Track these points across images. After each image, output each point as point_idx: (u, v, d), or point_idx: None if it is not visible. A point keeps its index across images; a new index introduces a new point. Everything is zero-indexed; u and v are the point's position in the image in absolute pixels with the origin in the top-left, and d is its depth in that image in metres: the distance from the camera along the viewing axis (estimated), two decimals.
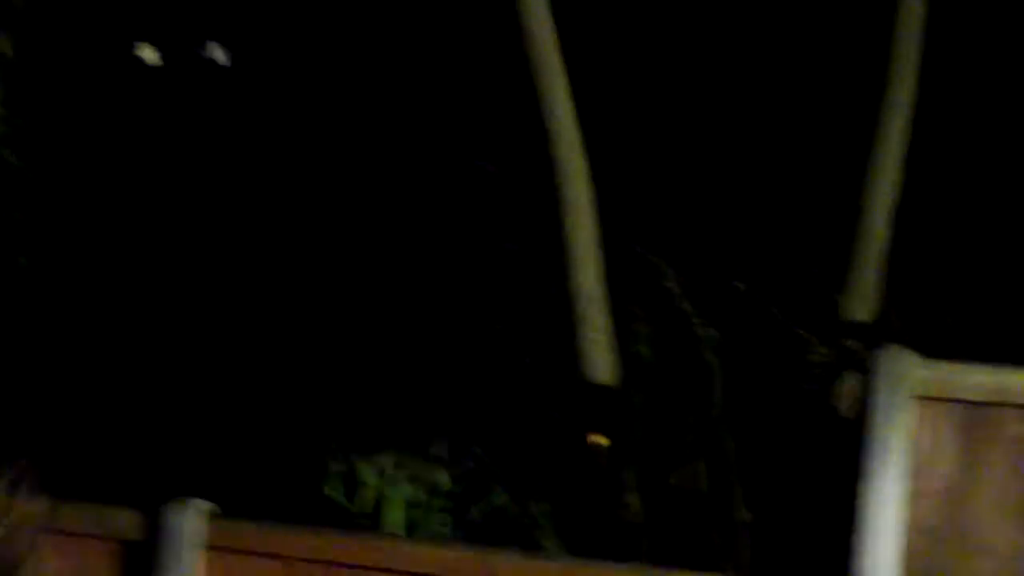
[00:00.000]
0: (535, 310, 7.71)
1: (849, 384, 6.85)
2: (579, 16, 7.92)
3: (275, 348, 8.71)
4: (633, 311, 6.98)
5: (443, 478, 6.61)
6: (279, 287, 9.12)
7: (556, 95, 7.44)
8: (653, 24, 8.63)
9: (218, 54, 10.30)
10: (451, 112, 9.17)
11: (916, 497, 5.35)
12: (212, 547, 5.47)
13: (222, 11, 10.16)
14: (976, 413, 5.41)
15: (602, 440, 6.66)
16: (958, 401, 5.38)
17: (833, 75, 8.26)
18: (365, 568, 5.21)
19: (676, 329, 6.79)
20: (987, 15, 8.40)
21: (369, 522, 6.52)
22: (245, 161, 9.77)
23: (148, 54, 10.33)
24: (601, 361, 7.18)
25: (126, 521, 5.64)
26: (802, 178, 8.14)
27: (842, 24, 8.31)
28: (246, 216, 9.54)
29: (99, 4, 10.13)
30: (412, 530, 6.49)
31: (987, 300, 7.57)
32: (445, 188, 8.89)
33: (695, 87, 8.47)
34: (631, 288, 7.09)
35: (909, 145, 7.49)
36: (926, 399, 5.39)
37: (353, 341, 8.49)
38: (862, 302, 7.24)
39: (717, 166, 8.27)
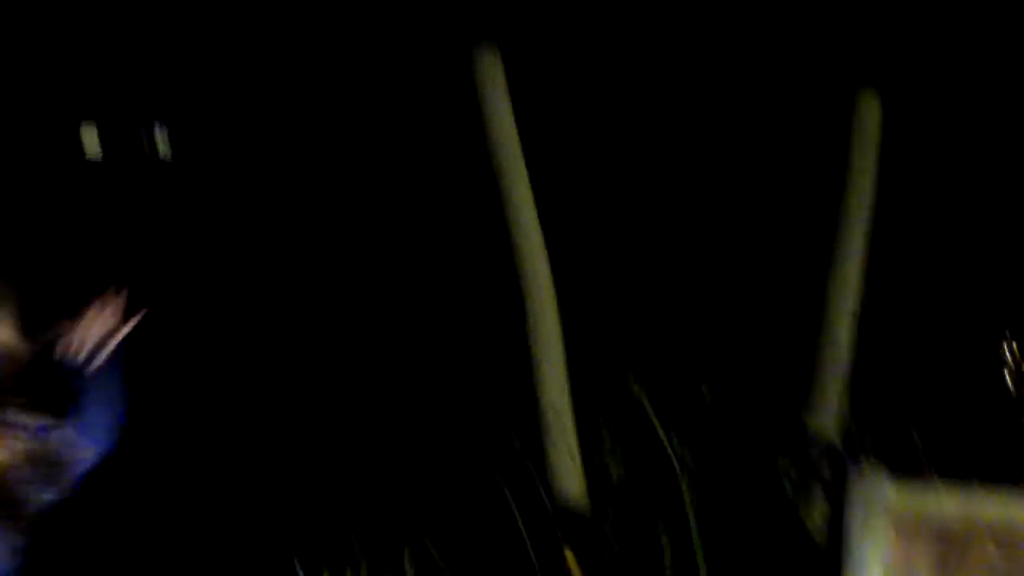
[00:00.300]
0: (502, 421, 7.70)
1: (820, 507, 6.89)
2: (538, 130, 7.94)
3: (239, 455, 8.66)
4: (601, 422, 6.97)
5: None
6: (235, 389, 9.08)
7: (521, 204, 7.44)
8: (614, 135, 8.69)
9: (161, 145, 10.32)
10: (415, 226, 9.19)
11: None
12: None
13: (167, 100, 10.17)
14: (950, 539, 5.44)
15: (572, 560, 6.63)
16: (932, 527, 5.41)
17: (791, 182, 8.33)
18: None
19: (645, 441, 6.79)
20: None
21: None
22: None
23: (89, 144, 10.34)
24: (569, 474, 7.15)
25: None
26: (765, 287, 8.19)
27: (797, 128, 8.39)
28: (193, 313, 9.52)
29: (46, 90, 10.13)
30: None
31: (951, 409, 7.61)
32: (412, 291, 8.89)
33: (661, 195, 8.52)
34: (599, 399, 7.08)
35: (870, 252, 7.54)
36: (901, 524, 5.41)
37: (321, 451, 8.46)
38: (827, 414, 7.26)
39: (683, 278, 8.31)
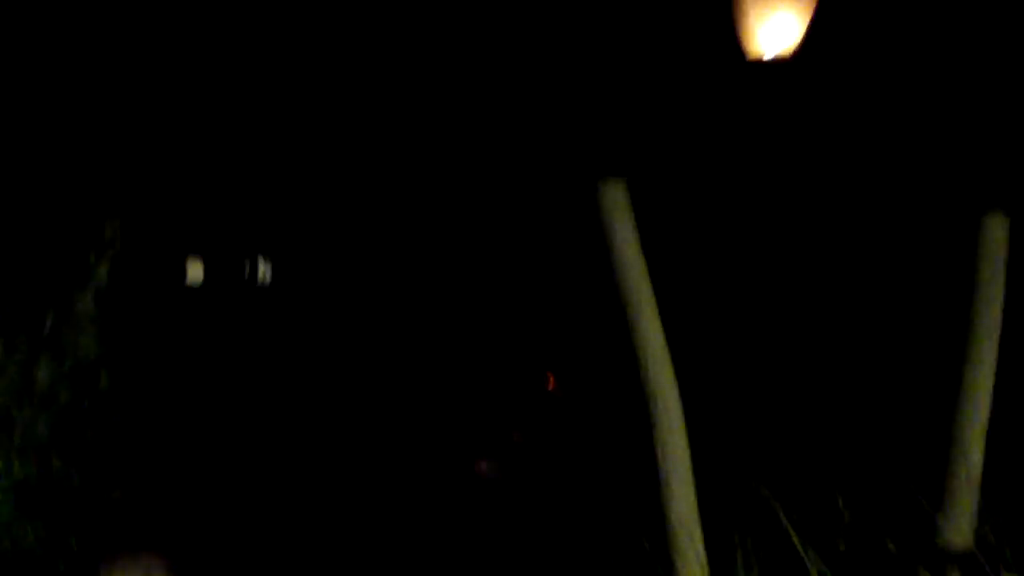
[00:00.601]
0: (629, 535, 7.68)
1: None
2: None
3: None
4: (732, 537, 6.94)
5: None
6: None
7: (646, 319, 7.49)
8: (740, 252, 8.74)
9: (263, 272, 10.47)
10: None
11: None
12: None
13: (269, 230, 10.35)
14: None
15: None
16: None
17: (918, 292, 8.33)
18: None
19: (778, 553, 6.74)
20: None
21: None
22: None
23: (193, 273, 10.53)
24: None
25: None
26: (898, 396, 8.16)
27: (925, 244, 8.40)
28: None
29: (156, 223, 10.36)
30: None
31: None
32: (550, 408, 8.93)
33: (788, 305, 8.54)
34: (729, 512, 7.05)
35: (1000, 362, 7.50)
36: None
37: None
38: (962, 524, 7.21)
39: (815, 388, 8.31)
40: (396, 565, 8.31)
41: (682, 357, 7.37)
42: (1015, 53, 7.52)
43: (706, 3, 7.57)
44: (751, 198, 8.67)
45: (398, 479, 9.13)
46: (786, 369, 8.40)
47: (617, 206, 7.51)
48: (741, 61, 7.05)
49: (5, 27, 8.76)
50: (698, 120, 8.24)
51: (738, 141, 8.39)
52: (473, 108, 8.94)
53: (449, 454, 9.31)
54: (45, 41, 8.91)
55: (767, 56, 6.92)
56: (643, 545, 7.08)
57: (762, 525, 6.81)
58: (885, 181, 8.30)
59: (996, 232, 7.58)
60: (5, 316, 9.10)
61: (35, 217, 9.37)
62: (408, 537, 8.58)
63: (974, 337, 7.47)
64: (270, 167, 10.10)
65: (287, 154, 9.97)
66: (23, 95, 9.14)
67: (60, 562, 8.08)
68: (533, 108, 8.21)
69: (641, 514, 7.33)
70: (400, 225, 9.99)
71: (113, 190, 9.87)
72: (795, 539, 6.61)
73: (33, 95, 9.16)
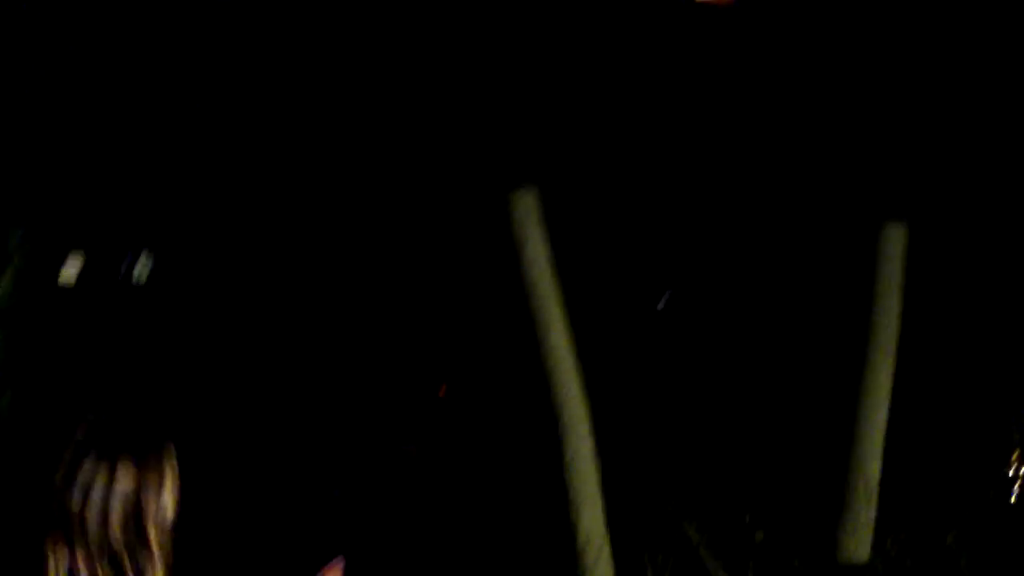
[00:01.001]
0: (537, 549, 7.73)
1: None
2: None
3: None
4: (642, 556, 7.02)
5: None
6: None
7: (556, 334, 7.50)
8: (646, 265, 8.82)
9: (139, 272, 10.43)
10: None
11: None
12: None
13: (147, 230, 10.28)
14: None
15: None
16: None
17: (816, 305, 8.45)
18: None
19: (688, 571, 6.85)
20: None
21: None
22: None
23: (67, 274, 10.46)
24: None
25: None
26: (799, 416, 8.28)
27: (824, 265, 8.51)
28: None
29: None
30: None
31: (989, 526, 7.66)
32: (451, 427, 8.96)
33: (696, 327, 8.63)
34: (640, 532, 7.13)
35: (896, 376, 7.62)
36: None
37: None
38: (858, 535, 7.35)
39: (718, 410, 8.41)
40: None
41: (591, 371, 7.40)
42: (914, 60, 7.61)
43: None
44: (660, 207, 8.73)
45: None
46: (692, 383, 8.50)
47: (528, 217, 7.50)
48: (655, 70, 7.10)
49: None
50: (611, 131, 8.29)
51: (650, 152, 8.44)
52: (376, 104, 8.91)
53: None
54: None
55: None
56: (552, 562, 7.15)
57: (672, 543, 6.90)
58: (785, 189, 8.41)
59: (893, 243, 7.67)
60: None
61: None
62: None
63: (871, 348, 7.57)
64: (151, 166, 10.04)
65: (170, 154, 9.92)
66: None
67: None
68: (444, 112, 8.21)
69: (549, 531, 7.38)
70: (299, 226, 9.98)
71: (15, 197, 9.79)
72: (705, 557, 6.73)
73: None
